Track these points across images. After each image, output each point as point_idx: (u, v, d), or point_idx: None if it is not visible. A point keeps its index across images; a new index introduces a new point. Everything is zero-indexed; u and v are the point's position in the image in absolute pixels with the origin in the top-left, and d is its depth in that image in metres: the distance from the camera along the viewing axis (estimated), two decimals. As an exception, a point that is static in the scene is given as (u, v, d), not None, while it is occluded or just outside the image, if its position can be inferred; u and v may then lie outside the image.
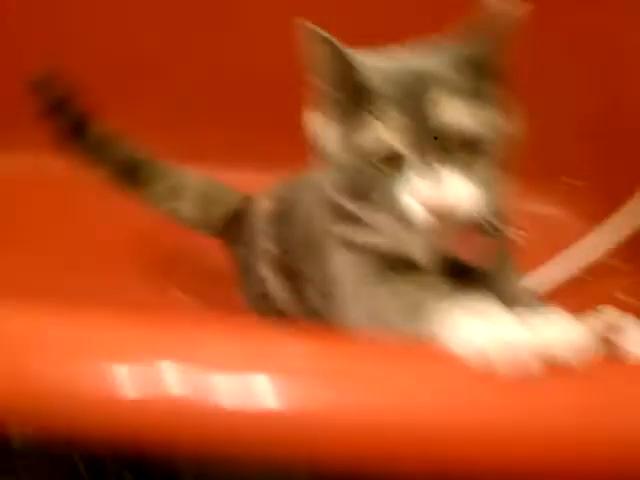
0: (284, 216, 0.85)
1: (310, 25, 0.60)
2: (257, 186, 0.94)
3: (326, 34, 0.60)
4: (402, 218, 0.59)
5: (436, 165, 0.58)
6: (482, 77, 0.61)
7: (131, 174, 0.97)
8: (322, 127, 0.64)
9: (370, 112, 0.60)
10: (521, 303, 0.61)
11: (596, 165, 1.08)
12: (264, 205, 0.89)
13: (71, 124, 0.93)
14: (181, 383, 0.50)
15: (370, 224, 0.64)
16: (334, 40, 0.60)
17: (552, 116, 1.04)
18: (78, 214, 1.13)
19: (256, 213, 0.91)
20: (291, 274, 0.84)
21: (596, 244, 1.02)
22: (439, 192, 0.57)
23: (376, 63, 0.63)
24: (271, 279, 0.87)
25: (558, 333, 0.51)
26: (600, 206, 1.06)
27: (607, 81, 1.07)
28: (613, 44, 1.05)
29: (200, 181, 0.99)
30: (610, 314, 0.59)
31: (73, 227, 1.11)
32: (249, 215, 0.93)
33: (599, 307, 0.59)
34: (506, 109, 0.62)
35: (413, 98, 0.59)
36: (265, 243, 0.87)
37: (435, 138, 0.58)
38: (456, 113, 0.59)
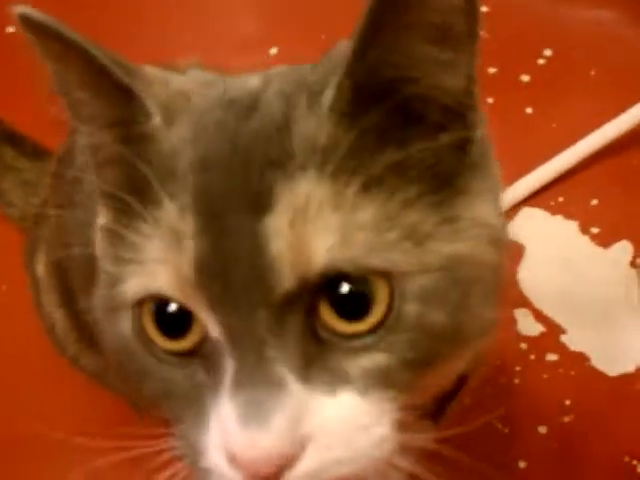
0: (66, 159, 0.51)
1: (25, 9, 0.30)
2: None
3: (52, 22, 0.30)
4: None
5: (278, 369, 0.28)
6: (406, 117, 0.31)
7: None
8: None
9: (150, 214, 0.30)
10: None
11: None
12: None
13: None
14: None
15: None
16: (65, 30, 0.31)
17: None
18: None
19: None
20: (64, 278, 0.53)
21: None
22: (285, 441, 0.29)
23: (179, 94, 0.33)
24: (45, 284, 0.57)
25: None
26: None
27: None
28: None
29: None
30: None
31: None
32: None
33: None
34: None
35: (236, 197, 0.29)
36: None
37: (282, 303, 0.29)
38: (341, 241, 0.29)
